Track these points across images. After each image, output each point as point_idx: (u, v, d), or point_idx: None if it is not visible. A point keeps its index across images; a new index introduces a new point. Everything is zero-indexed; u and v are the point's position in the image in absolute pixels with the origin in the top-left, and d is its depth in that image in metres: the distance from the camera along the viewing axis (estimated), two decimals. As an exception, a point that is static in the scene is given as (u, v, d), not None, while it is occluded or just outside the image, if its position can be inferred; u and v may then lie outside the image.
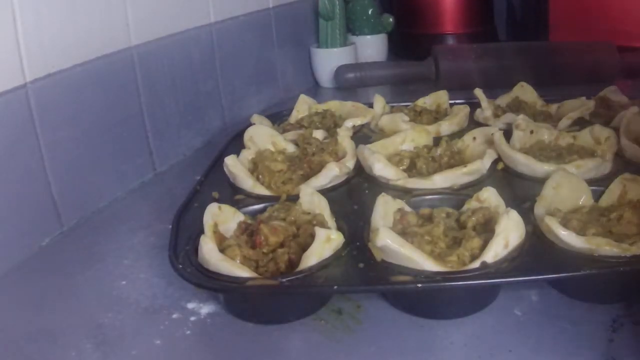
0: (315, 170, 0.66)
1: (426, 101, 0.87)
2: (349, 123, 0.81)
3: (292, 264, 0.51)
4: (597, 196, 0.57)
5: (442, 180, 0.62)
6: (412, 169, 0.67)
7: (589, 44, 1.07)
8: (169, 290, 0.55)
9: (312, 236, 0.50)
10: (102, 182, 0.73)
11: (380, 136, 0.77)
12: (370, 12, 1.25)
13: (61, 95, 0.65)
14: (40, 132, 0.63)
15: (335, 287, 0.48)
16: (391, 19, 1.28)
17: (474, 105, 0.83)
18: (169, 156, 0.84)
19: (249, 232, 0.54)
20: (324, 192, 0.60)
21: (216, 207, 0.55)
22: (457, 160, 0.68)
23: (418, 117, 0.82)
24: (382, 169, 0.64)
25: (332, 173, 0.64)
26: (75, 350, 0.48)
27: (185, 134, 0.87)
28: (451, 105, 0.85)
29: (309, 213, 0.56)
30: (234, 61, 0.97)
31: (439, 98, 0.86)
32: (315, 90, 1.19)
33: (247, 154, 0.70)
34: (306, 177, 0.65)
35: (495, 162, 0.66)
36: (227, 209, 0.56)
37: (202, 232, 0.53)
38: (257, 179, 0.65)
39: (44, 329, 0.51)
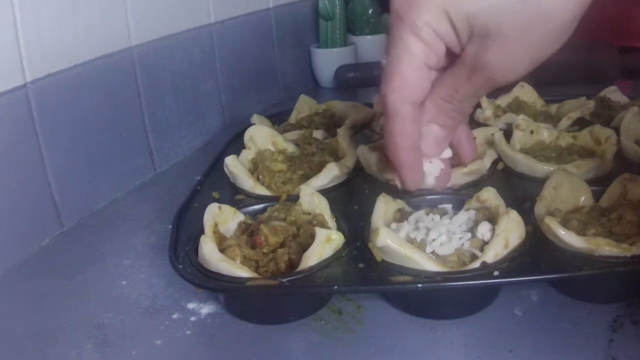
0: (315, 170, 0.66)
1: (426, 101, 0.86)
2: (349, 123, 0.80)
3: (292, 264, 0.51)
4: (597, 196, 0.57)
5: (442, 180, 0.62)
6: (412, 169, 0.67)
7: (589, 43, 1.07)
8: (169, 290, 0.55)
9: (313, 236, 0.50)
10: (102, 182, 0.73)
11: (380, 136, 0.77)
12: (370, 12, 1.25)
13: (61, 95, 0.65)
14: (40, 132, 0.63)
15: (336, 287, 0.48)
16: (391, 19, 1.28)
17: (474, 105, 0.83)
18: (169, 156, 0.84)
19: (249, 232, 0.54)
20: (324, 192, 0.60)
21: (216, 207, 0.55)
22: (457, 160, 0.68)
23: (418, 117, 0.82)
24: (382, 169, 0.64)
25: (332, 173, 0.64)
26: (76, 350, 0.48)
27: (185, 134, 0.87)
28: (451, 105, 0.85)
29: (309, 213, 0.56)
30: (234, 61, 0.97)
31: (439, 98, 0.86)
32: (315, 90, 1.19)
33: (247, 154, 0.70)
34: (306, 177, 0.65)
35: (495, 162, 0.66)
36: (227, 209, 0.56)
37: (202, 232, 0.53)
38: (257, 179, 0.65)
39: (44, 329, 0.51)
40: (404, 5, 0.41)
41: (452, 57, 0.44)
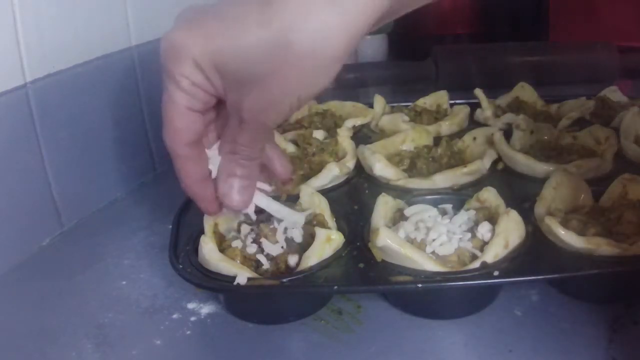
0: (315, 170, 0.66)
1: (426, 101, 0.87)
2: (349, 123, 0.80)
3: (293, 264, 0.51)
4: (597, 196, 0.57)
5: (442, 180, 0.62)
6: (412, 169, 0.67)
7: (589, 43, 1.07)
8: (169, 290, 0.55)
9: (313, 236, 0.50)
10: (102, 182, 0.73)
11: (380, 136, 0.77)
12: (370, 12, 1.25)
13: (61, 95, 0.65)
14: (40, 132, 0.63)
15: (335, 287, 0.48)
16: (391, 19, 1.28)
17: (474, 105, 0.83)
18: (169, 156, 0.84)
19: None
20: (324, 192, 0.60)
21: (216, 207, 0.55)
22: (457, 160, 0.68)
23: (418, 117, 0.82)
24: (382, 169, 0.64)
25: (332, 173, 0.64)
26: (76, 350, 0.48)
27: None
28: (451, 105, 0.85)
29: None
30: (234, 61, 0.97)
31: (439, 98, 0.86)
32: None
33: (247, 154, 0.70)
34: (306, 177, 0.65)
35: (495, 162, 0.66)
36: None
37: (202, 232, 0.53)
38: (257, 179, 0.65)
39: (44, 329, 0.51)
40: (167, 58, 0.42)
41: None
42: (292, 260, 0.50)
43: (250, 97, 0.40)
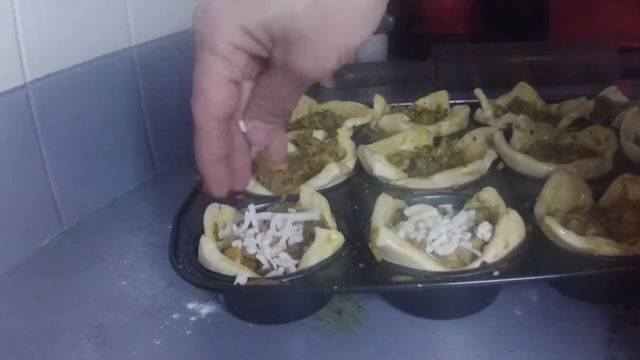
0: (315, 170, 0.66)
1: (426, 101, 0.86)
2: (349, 123, 0.80)
3: (292, 264, 0.51)
4: (597, 196, 0.57)
5: (442, 180, 0.62)
6: (412, 169, 0.67)
7: (589, 43, 1.07)
8: (169, 290, 0.55)
9: (313, 236, 0.50)
10: (102, 182, 0.73)
11: (380, 136, 0.77)
12: (370, 12, 1.25)
13: (61, 95, 0.65)
14: (40, 132, 0.63)
15: (335, 287, 0.48)
16: (391, 19, 1.28)
17: (474, 105, 0.83)
18: (169, 156, 0.84)
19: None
20: (324, 192, 0.60)
21: (216, 207, 0.55)
22: (457, 160, 0.68)
23: (418, 117, 0.82)
24: (382, 169, 0.64)
25: (332, 173, 0.64)
26: (75, 350, 0.48)
27: (185, 133, 0.87)
28: (451, 105, 0.85)
29: (309, 213, 0.56)
30: (234, 61, 0.97)
31: (439, 98, 0.86)
32: (315, 90, 1.19)
33: (247, 154, 0.70)
34: (306, 177, 0.65)
35: (495, 162, 0.66)
36: (227, 209, 0.56)
37: (202, 232, 0.53)
38: (257, 179, 0.65)
39: (44, 329, 0.51)
40: (204, 30, 0.42)
41: (267, 62, 0.45)
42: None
43: (296, 52, 0.41)
